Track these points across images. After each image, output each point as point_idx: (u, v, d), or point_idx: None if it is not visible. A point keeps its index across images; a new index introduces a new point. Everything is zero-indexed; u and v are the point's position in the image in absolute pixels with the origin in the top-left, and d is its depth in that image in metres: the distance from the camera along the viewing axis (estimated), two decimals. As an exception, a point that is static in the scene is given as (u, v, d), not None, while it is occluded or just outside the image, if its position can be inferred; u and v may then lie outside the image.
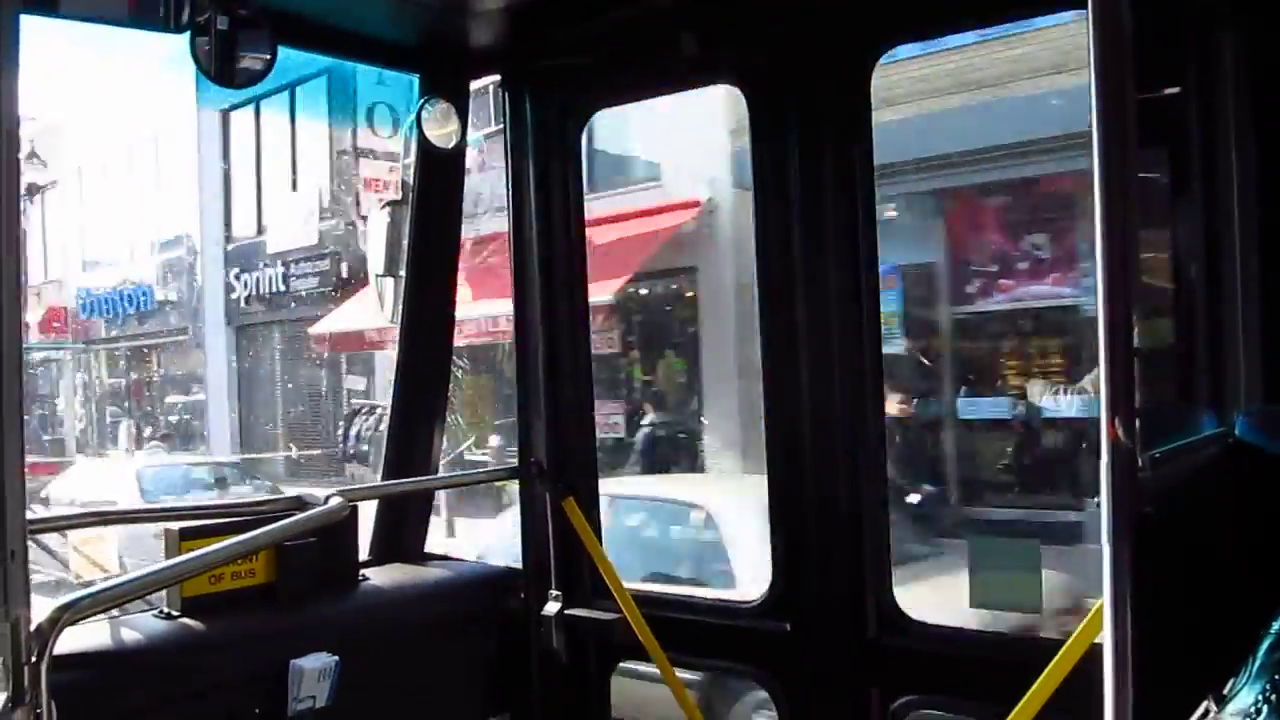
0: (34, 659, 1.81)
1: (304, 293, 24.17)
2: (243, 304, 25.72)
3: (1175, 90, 2.73)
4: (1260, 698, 1.86)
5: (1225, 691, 1.99)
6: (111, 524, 3.08)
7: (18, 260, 1.66)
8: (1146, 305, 2.37)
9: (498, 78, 4.04)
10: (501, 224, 4.17)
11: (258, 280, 25.24)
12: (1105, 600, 1.78)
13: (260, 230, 25.40)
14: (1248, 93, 2.81)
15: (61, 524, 2.96)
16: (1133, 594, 1.78)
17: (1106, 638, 1.77)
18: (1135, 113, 1.89)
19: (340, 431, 19.18)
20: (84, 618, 2.13)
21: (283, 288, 24.65)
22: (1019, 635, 3.20)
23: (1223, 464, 2.56)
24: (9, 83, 1.69)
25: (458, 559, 4.22)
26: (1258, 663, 2.00)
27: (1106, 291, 1.77)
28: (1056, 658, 2.82)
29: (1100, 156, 1.78)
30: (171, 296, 27.90)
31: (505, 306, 4.40)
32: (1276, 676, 1.88)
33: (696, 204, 16.44)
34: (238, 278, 25.64)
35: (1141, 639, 1.78)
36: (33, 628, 1.86)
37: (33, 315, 29.17)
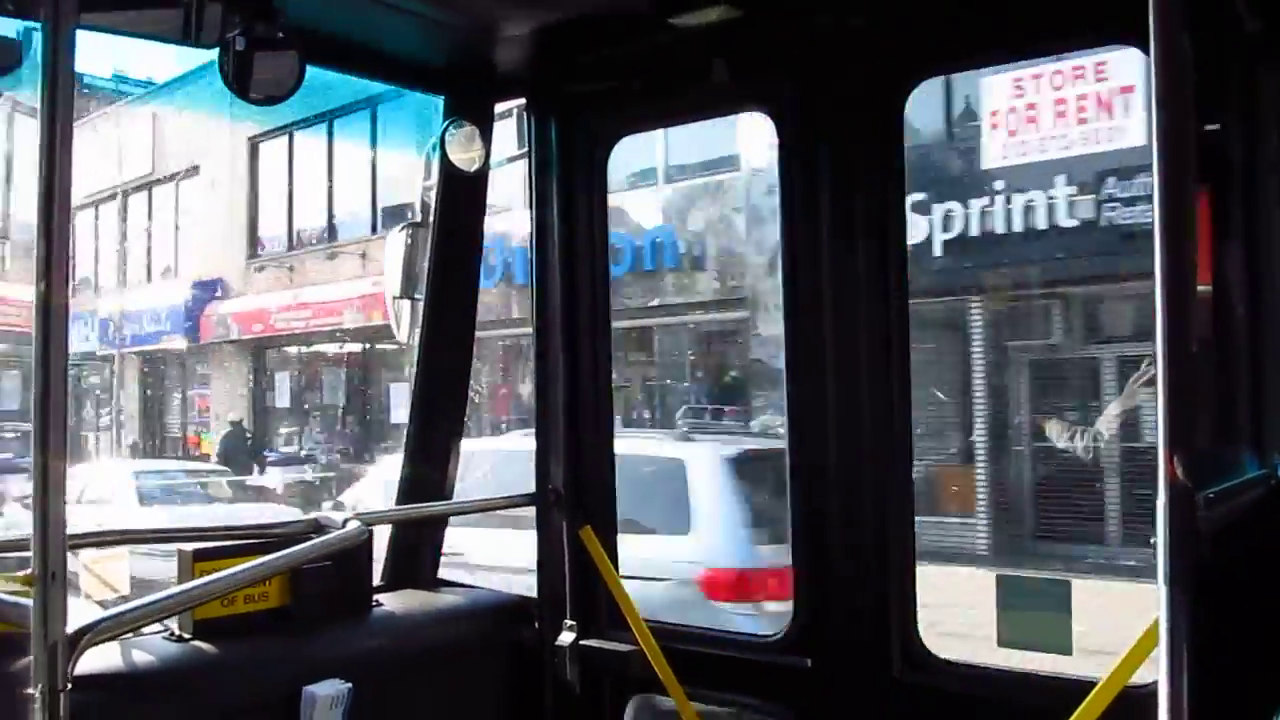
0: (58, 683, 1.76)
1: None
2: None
3: (1217, 126, 2.71)
4: None
5: None
6: (134, 542, 3.04)
7: (66, 277, 1.62)
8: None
9: (523, 101, 4.02)
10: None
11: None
12: (1162, 644, 1.73)
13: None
14: None
15: (87, 542, 2.91)
16: (1189, 638, 1.73)
17: (1163, 681, 1.72)
18: (1195, 149, 1.87)
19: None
20: (101, 641, 2.09)
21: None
22: (1047, 675, 3.14)
23: (1268, 505, 2.51)
24: (65, 93, 1.67)
25: (472, 586, 4.16)
26: None
27: (1167, 330, 1.74)
28: (1087, 701, 2.76)
29: (1161, 192, 1.76)
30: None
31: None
32: None
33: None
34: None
35: (1193, 683, 1.74)
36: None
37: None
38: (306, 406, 29.45)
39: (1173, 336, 1.74)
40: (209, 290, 30.13)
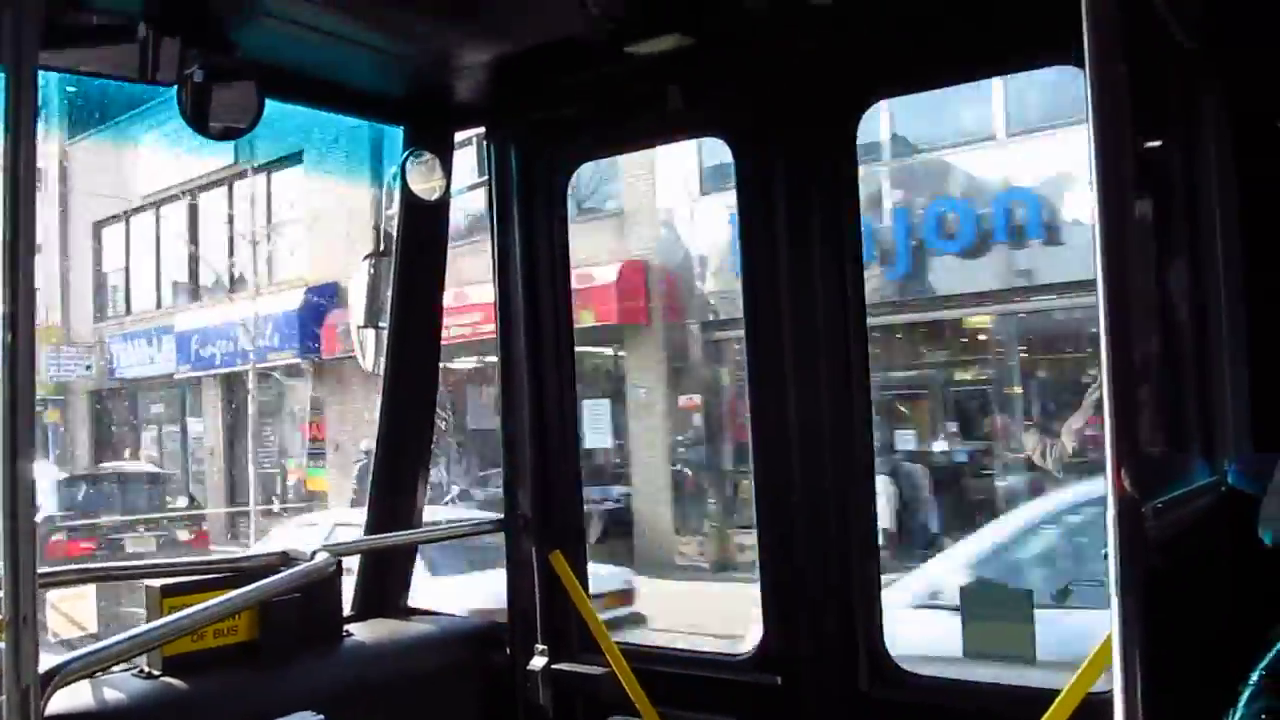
0: None
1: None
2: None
3: (1158, 144, 2.78)
4: None
5: None
6: (103, 580, 3.01)
7: (32, 322, 1.63)
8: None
9: (482, 130, 4.05)
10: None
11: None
12: (1115, 652, 1.77)
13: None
14: (1229, 146, 2.87)
15: (56, 581, 2.89)
16: (1141, 645, 1.78)
17: (1117, 689, 1.77)
18: (1133, 166, 1.92)
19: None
20: (69, 682, 2.08)
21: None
22: (1011, 686, 3.18)
23: (1217, 512, 2.57)
24: (27, 132, 1.69)
25: (442, 613, 4.16)
26: (1239, 713, 2.01)
27: (1110, 343, 1.79)
28: (1052, 708, 2.81)
29: (1100, 207, 1.81)
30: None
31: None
32: None
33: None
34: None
35: (1147, 690, 1.78)
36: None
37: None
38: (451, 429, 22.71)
39: (1116, 350, 1.79)
40: (328, 296, 24.06)
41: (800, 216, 3.43)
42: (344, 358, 22.14)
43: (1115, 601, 1.78)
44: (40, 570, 1.67)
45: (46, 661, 1.95)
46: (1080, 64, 1.84)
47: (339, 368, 23.71)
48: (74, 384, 30.81)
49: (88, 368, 30.61)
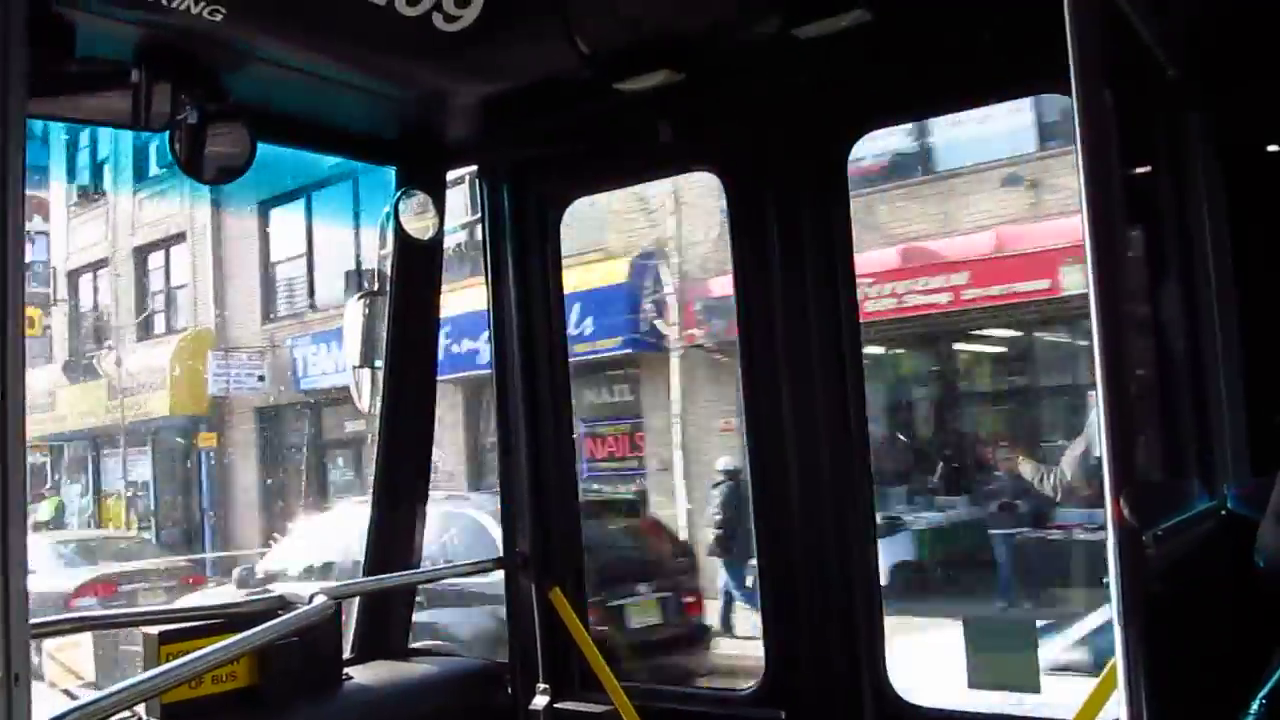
0: None
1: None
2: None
3: (1148, 169, 2.79)
4: None
5: None
6: (97, 628, 2.98)
7: (22, 358, 1.62)
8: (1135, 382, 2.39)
9: (474, 168, 4.07)
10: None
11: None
12: (1120, 681, 1.76)
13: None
14: (1216, 171, 2.88)
15: (48, 630, 2.86)
16: (1146, 672, 1.76)
17: (1122, 717, 1.75)
18: (1121, 191, 1.93)
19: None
20: None
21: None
22: (1016, 717, 3.16)
23: (1218, 537, 2.56)
24: (15, 178, 1.69)
25: (443, 654, 4.13)
26: None
27: (1105, 372, 1.79)
28: None
29: (1091, 234, 1.81)
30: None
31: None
32: None
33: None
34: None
35: (1154, 716, 1.77)
36: None
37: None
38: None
39: (1111, 379, 1.79)
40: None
41: (793, 248, 3.43)
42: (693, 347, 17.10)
43: (1118, 630, 1.77)
44: (32, 620, 1.65)
45: (43, 714, 1.93)
46: (1067, 92, 1.86)
47: (687, 356, 17.23)
48: (236, 399, 25.05)
49: (260, 378, 24.78)
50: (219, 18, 2.80)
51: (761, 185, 3.51)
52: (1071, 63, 1.83)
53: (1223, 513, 2.66)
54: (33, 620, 1.70)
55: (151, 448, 27.76)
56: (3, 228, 1.75)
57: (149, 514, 27.47)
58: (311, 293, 24.76)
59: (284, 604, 3.34)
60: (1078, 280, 11.94)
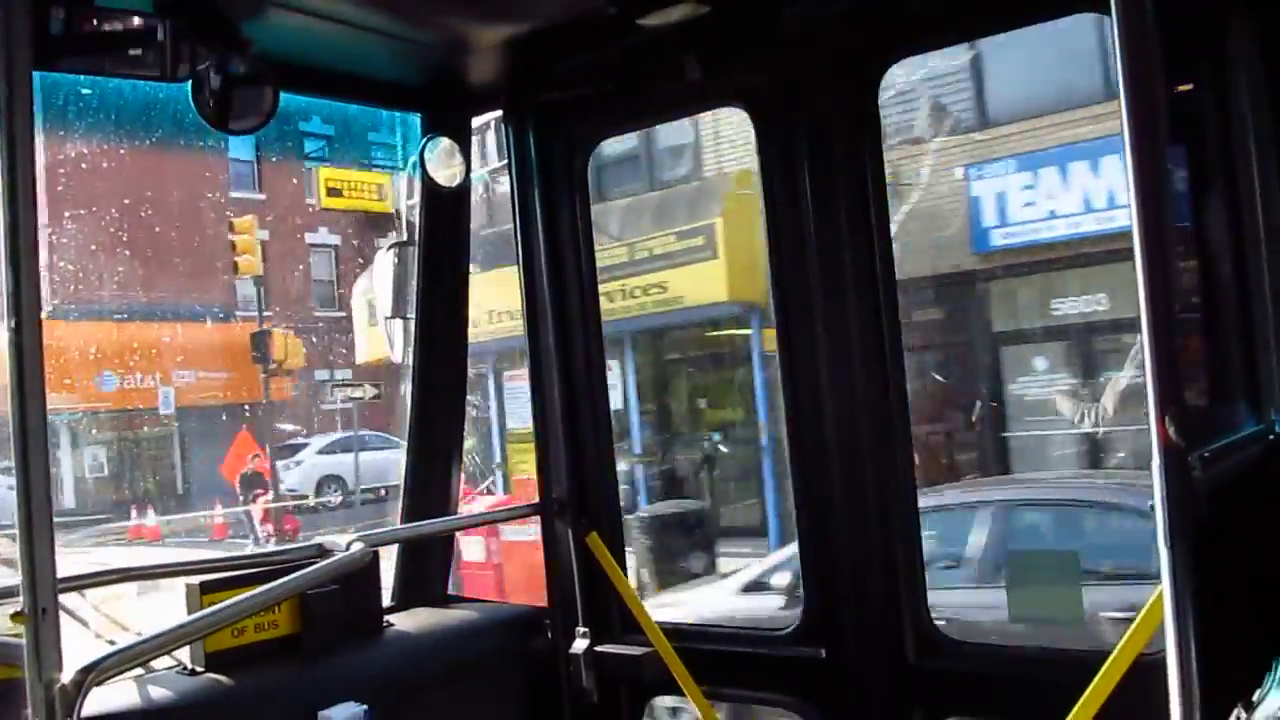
0: None
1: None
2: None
3: (1191, 88, 2.71)
4: None
5: (1254, 698, 1.95)
6: (137, 580, 3.03)
7: (37, 320, 1.62)
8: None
9: (500, 113, 4.02)
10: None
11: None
12: (1166, 605, 1.73)
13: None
14: (1262, 88, 2.79)
15: (87, 582, 2.91)
16: (1193, 598, 1.73)
17: (1170, 643, 1.72)
18: (1165, 112, 1.87)
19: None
20: (109, 678, 2.08)
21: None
22: (1060, 650, 3.13)
23: (1266, 461, 2.51)
24: (25, 135, 1.69)
25: (482, 600, 4.16)
26: None
27: (1148, 294, 1.75)
28: (1102, 671, 2.75)
29: (1133, 155, 1.76)
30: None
31: None
32: None
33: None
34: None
35: (1200, 645, 1.73)
36: (56, 689, 1.81)
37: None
38: None
39: (1154, 300, 1.74)
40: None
41: (824, 183, 3.37)
42: None
43: (1164, 553, 1.73)
44: (66, 574, 1.67)
45: (85, 658, 1.95)
46: (1106, 10, 1.79)
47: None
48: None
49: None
50: None
51: (792, 121, 3.44)
52: None
53: (1270, 437, 2.61)
54: (69, 573, 1.71)
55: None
56: (12, 184, 1.75)
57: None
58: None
59: (323, 552, 3.37)
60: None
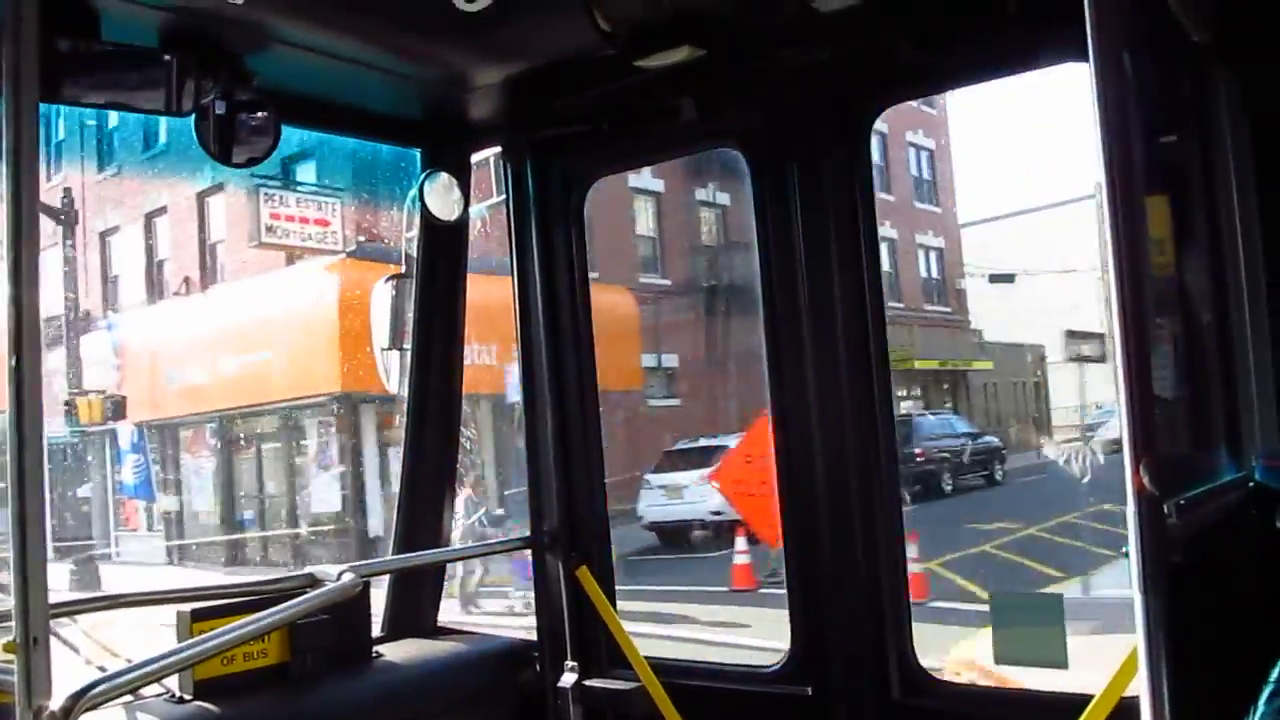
0: None
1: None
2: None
3: (1173, 137, 2.76)
4: None
5: None
6: (127, 607, 3.04)
7: (38, 350, 1.66)
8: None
9: (499, 149, 4.08)
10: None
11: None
12: (1140, 651, 1.75)
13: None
14: (1245, 134, 2.84)
15: (79, 608, 2.93)
16: (1166, 644, 1.75)
17: (1143, 689, 1.74)
18: (1143, 161, 1.91)
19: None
20: (98, 705, 2.10)
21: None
22: (1043, 693, 3.14)
23: (1245, 508, 2.53)
24: (30, 165, 1.72)
25: (471, 632, 4.16)
26: (1259, 712, 1.98)
27: (1124, 341, 1.78)
28: (1084, 714, 2.77)
29: (1110, 203, 1.80)
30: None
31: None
32: None
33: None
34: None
35: (1174, 690, 1.75)
36: (45, 715, 1.83)
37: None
38: None
39: (1130, 346, 1.78)
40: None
41: (817, 224, 3.42)
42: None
43: (1138, 600, 1.76)
44: (57, 600, 1.69)
45: (75, 684, 1.97)
46: (1086, 59, 1.84)
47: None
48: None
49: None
50: (242, 1, 2.82)
51: (784, 162, 3.49)
52: (1089, 28, 1.81)
53: (1250, 484, 2.63)
54: (60, 599, 1.74)
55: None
56: (16, 212, 1.79)
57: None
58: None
59: (314, 581, 3.38)
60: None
